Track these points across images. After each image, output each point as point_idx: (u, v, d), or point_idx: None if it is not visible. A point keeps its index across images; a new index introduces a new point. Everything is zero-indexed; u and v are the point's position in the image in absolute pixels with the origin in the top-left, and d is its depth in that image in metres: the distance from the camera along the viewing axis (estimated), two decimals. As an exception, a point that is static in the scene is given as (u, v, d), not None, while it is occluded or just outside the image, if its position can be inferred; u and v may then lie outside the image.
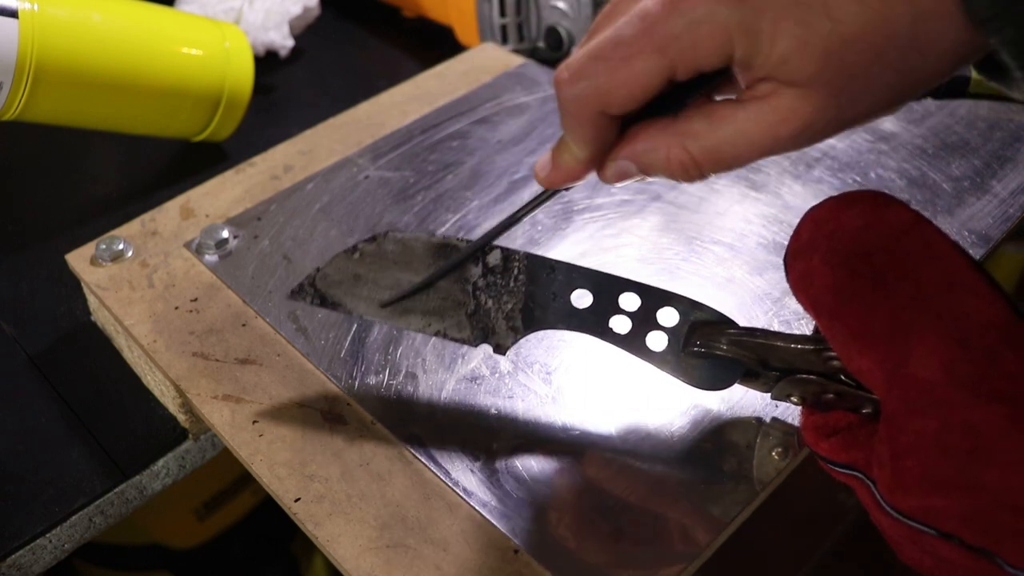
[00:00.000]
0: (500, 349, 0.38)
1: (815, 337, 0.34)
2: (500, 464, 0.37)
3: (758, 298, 0.43)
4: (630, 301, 0.36)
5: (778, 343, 0.34)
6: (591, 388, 0.40)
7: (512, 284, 0.37)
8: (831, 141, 0.52)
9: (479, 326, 0.37)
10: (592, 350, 0.40)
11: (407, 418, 0.39)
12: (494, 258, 0.37)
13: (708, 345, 0.35)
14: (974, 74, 0.55)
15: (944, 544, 0.28)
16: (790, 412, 0.38)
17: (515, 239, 0.47)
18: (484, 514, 0.35)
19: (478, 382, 0.40)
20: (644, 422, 0.38)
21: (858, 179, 0.49)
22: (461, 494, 0.36)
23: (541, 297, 0.37)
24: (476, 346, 0.38)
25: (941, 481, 0.27)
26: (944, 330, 0.28)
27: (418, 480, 0.37)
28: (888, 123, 0.54)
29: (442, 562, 0.34)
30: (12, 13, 0.49)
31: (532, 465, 0.37)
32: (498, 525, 0.35)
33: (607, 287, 0.36)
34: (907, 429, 0.28)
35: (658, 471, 0.36)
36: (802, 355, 0.34)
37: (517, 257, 0.37)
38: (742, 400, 0.38)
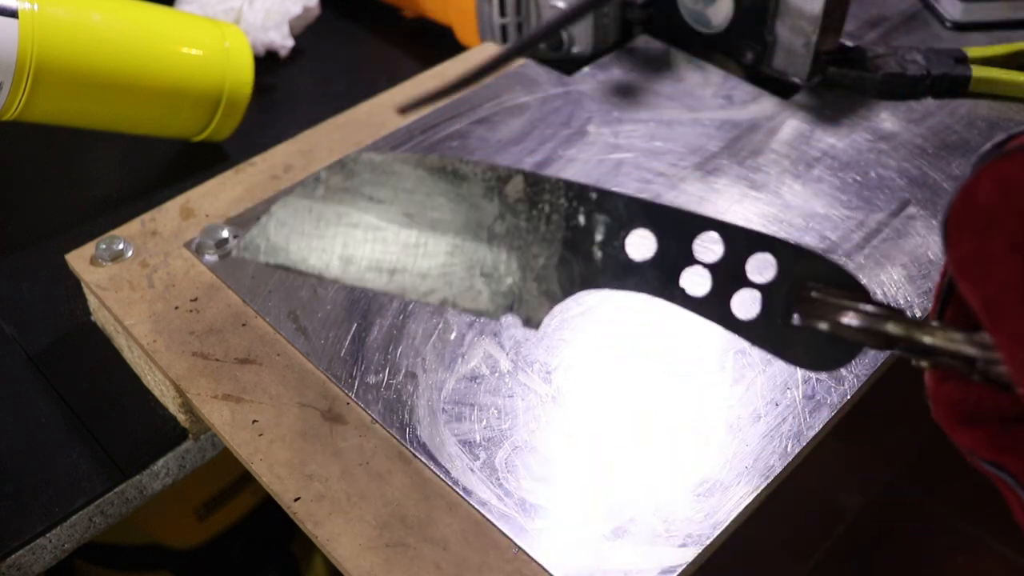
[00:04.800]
0: (531, 323, 0.28)
1: (975, 339, 0.25)
2: (500, 464, 0.37)
3: (758, 298, 0.43)
4: (709, 248, 0.27)
5: (926, 340, 0.25)
6: (591, 388, 0.40)
7: (543, 228, 0.27)
8: (831, 140, 0.52)
9: (500, 291, 0.28)
10: (593, 349, 0.40)
11: (407, 418, 0.39)
12: (515, 189, 0.27)
13: (819, 319, 0.26)
14: (974, 73, 0.55)
15: None
16: (790, 414, 0.38)
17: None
18: (484, 514, 0.35)
19: (478, 381, 0.40)
20: (644, 422, 0.38)
21: (858, 178, 0.49)
22: (461, 494, 0.36)
23: (584, 246, 0.27)
24: (498, 319, 0.29)
25: None
26: None
27: (418, 480, 0.37)
28: (888, 123, 0.54)
29: (442, 562, 0.34)
30: (12, 13, 0.49)
31: (532, 464, 0.37)
32: (498, 525, 0.35)
33: (677, 228, 0.26)
34: None
35: (658, 471, 0.36)
36: (957, 358, 0.25)
37: (548, 187, 0.26)
38: (743, 397, 0.38)
